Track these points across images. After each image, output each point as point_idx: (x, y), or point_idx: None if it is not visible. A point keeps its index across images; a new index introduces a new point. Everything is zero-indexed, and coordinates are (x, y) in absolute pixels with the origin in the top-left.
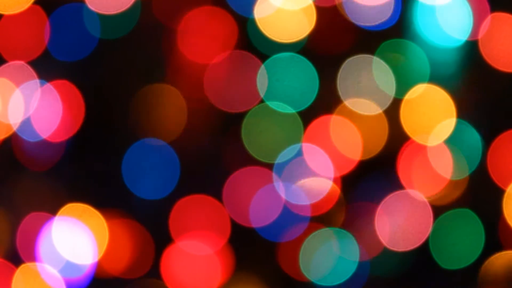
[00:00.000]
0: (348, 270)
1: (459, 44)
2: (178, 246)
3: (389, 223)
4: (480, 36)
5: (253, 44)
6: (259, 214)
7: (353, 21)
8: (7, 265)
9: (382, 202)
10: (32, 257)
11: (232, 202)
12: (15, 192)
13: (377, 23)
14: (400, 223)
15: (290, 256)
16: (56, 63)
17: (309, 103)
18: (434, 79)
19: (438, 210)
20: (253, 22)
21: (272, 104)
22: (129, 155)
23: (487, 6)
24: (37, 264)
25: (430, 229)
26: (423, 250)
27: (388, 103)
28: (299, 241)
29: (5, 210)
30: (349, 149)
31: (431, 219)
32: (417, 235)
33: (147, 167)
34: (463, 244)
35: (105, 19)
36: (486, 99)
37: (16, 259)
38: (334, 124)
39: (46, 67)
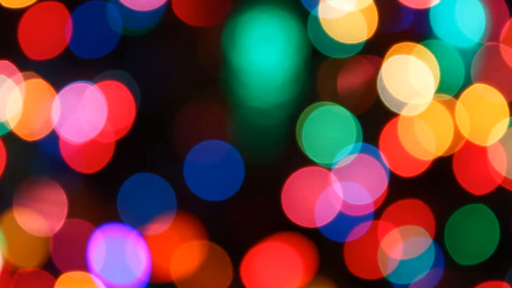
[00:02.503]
0: (421, 269)
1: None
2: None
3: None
4: (501, 39)
5: (312, 43)
6: (318, 215)
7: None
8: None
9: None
10: (80, 265)
11: (292, 204)
12: (63, 196)
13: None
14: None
15: (357, 255)
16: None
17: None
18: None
19: (452, 205)
20: (315, 20)
21: (326, 105)
22: (192, 156)
23: (506, 9)
24: (88, 273)
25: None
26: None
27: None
28: (364, 240)
29: (50, 215)
30: (412, 150)
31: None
32: None
33: (211, 168)
34: (478, 240)
35: (128, 16)
36: None
37: (59, 268)
38: (398, 124)
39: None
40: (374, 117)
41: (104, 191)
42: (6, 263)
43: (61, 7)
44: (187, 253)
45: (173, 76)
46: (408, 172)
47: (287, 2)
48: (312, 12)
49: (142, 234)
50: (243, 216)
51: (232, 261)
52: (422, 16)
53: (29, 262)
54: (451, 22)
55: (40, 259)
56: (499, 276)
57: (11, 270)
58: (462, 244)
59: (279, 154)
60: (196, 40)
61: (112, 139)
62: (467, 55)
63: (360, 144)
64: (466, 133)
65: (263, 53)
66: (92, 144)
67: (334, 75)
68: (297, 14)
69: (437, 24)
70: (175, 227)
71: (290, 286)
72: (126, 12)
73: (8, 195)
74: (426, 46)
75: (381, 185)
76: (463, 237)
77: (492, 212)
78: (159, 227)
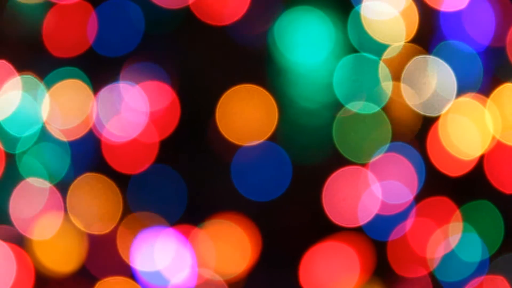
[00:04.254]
0: (465, 265)
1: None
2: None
3: None
4: (508, 41)
5: (353, 42)
6: (360, 214)
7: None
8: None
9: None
10: (121, 270)
11: (332, 204)
12: (107, 196)
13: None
14: None
15: (400, 253)
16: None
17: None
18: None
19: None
20: (358, 19)
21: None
22: (239, 156)
23: None
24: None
25: None
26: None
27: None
28: (406, 238)
29: (89, 217)
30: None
31: None
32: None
33: (258, 168)
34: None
35: (151, 13)
36: None
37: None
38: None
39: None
40: (411, 116)
41: (147, 192)
42: (42, 269)
43: (86, 5)
44: (237, 254)
45: (218, 76)
46: (453, 171)
47: (332, 2)
48: (355, 11)
49: (188, 237)
50: (291, 216)
51: (287, 261)
52: (452, 18)
53: (65, 267)
54: (480, 23)
55: (76, 264)
56: None
57: (47, 276)
58: (496, 241)
59: (326, 154)
60: (241, 40)
61: (156, 139)
62: (497, 55)
63: (397, 143)
64: (497, 133)
65: (309, 53)
66: (135, 144)
67: (374, 75)
68: (341, 13)
69: (468, 25)
70: (221, 228)
71: (347, 286)
72: (162, 11)
73: (43, 196)
74: (456, 46)
75: (419, 183)
76: (496, 234)
77: None
78: (205, 229)
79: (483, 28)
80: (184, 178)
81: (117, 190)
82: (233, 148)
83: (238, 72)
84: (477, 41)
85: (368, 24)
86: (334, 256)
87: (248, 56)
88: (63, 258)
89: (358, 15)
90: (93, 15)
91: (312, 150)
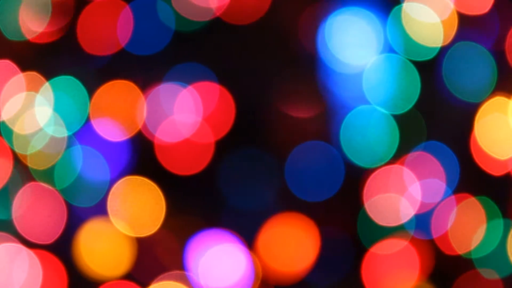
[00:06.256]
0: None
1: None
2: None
3: None
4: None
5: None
6: (402, 213)
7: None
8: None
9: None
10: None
11: (372, 203)
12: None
13: None
14: None
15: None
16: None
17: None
18: None
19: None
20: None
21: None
22: (293, 157)
23: None
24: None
25: None
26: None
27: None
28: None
29: (141, 219)
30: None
31: None
32: None
33: (312, 169)
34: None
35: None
36: None
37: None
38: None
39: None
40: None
41: (203, 193)
42: (93, 273)
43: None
44: (297, 255)
45: (270, 77)
46: (495, 170)
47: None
48: (399, 12)
49: (244, 240)
50: (342, 216)
51: (347, 260)
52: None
53: (116, 271)
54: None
55: (123, 269)
56: None
57: (97, 280)
58: None
59: (376, 154)
60: (292, 40)
61: (211, 139)
62: None
63: (433, 142)
64: None
65: (359, 54)
66: (189, 145)
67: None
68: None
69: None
70: (278, 229)
71: (408, 285)
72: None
73: (95, 198)
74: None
75: (459, 181)
76: None
77: None
78: (262, 230)
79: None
80: (238, 179)
81: (172, 192)
82: (287, 148)
83: (289, 73)
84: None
85: (411, 26)
86: (396, 255)
87: (298, 57)
88: (109, 263)
89: (401, 16)
90: (127, 12)
91: (365, 150)
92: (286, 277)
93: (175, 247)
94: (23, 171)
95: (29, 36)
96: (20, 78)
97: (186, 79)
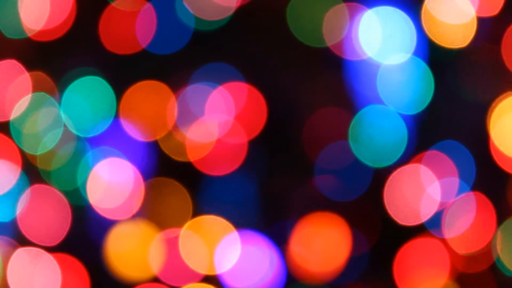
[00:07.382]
0: None
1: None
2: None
3: None
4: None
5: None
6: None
7: None
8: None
9: None
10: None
11: (394, 202)
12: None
13: None
14: None
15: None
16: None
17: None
18: None
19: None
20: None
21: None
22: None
23: None
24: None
25: None
26: None
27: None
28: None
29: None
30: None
31: None
32: None
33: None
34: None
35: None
36: None
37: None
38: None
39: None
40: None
41: (235, 193)
42: (120, 275)
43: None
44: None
45: (298, 78)
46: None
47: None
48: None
49: (276, 240)
50: (369, 217)
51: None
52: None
53: (144, 274)
54: None
55: (151, 271)
56: None
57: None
58: None
59: (401, 155)
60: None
61: (244, 139)
62: None
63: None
64: None
65: (387, 53)
66: (222, 145)
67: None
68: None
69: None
70: (310, 230)
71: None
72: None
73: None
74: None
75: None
76: None
77: None
78: (295, 230)
79: None
80: (268, 179)
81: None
82: (316, 149)
83: (316, 73)
84: None
85: (431, 26)
86: (427, 254)
87: (324, 57)
88: (137, 265)
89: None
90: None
91: (391, 151)
92: (318, 277)
93: (207, 249)
94: (31, 172)
95: (30, 34)
96: (26, 78)
97: (214, 79)
